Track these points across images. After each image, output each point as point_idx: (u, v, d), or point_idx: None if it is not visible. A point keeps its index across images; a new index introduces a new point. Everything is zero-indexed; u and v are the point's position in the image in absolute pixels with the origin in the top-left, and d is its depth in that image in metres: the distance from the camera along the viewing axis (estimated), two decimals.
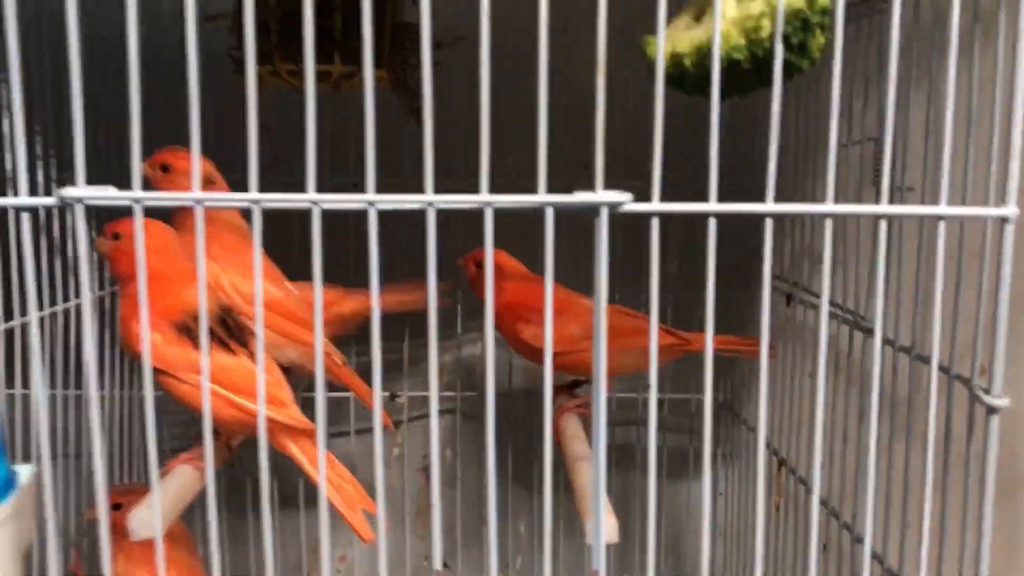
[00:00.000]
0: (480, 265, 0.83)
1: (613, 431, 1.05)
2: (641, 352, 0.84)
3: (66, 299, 0.82)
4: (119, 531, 0.68)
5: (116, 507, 0.72)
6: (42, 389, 0.46)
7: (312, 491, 1.04)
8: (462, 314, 1.03)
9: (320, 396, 0.47)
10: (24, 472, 0.50)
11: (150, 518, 0.59)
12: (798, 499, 0.82)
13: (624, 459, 1.07)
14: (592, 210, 0.46)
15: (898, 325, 0.62)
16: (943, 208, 0.47)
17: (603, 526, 0.49)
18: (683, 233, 1.03)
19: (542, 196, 0.45)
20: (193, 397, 0.66)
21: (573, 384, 0.89)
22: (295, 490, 1.03)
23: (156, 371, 0.65)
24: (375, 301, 0.46)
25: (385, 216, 0.45)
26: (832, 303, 0.74)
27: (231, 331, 0.68)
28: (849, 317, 0.71)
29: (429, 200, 0.45)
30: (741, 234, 0.97)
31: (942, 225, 0.47)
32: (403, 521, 1.08)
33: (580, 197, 0.46)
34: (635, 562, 1.07)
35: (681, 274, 1.05)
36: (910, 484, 0.59)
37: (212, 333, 0.66)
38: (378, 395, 0.47)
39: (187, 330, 0.66)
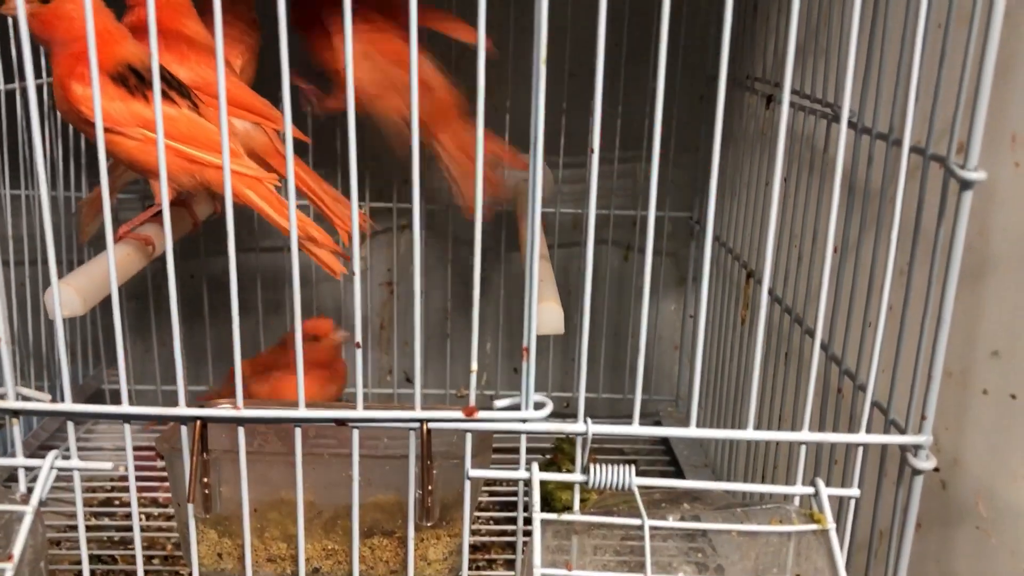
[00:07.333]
0: None
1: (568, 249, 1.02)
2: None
3: None
4: None
5: None
6: None
7: (266, 270, 1.02)
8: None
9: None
10: None
11: (68, 297, 0.55)
12: (757, 303, 0.79)
13: (573, 280, 1.05)
14: None
15: (876, 113, 0.57)
16: None
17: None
18: None
19: None
20: (141, 152, 0.63)
21: None
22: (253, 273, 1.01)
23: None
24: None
25: None
26: (811, 97, 0.69)
27: (170, 82, 0.65)
28: (829, 112, 0.66)
29: None
30: None
31: None
32: (367, 335, 1.05)
33: None
34: (600, 383, 1.06)
35: None
36: (875, 279, 0.55)
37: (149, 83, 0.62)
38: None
39: (123, 80, 0.62)
